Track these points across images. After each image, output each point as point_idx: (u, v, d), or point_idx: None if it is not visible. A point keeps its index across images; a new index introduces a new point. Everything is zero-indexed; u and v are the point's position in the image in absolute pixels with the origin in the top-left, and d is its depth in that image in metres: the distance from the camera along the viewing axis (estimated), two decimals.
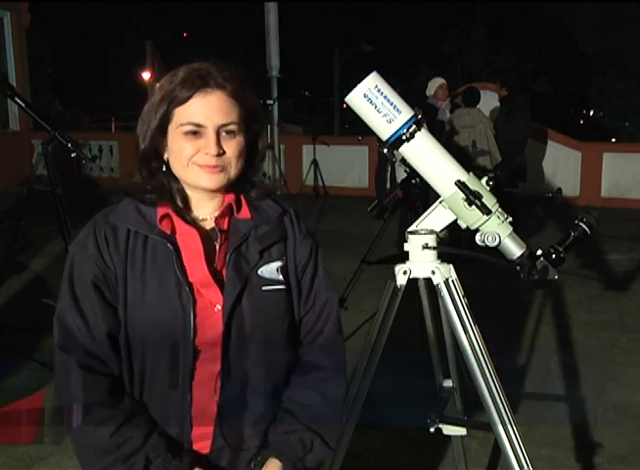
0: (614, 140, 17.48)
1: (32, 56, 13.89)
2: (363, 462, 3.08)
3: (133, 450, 1.37)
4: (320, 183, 10.64)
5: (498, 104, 8.23)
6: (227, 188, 1.48)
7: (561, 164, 10.40)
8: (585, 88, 26.10)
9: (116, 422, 1.37)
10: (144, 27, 29.83)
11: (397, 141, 2.12)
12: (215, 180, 1.43)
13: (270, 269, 1.48)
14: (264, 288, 1.47)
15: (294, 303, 1.53)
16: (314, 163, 10.63)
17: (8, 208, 7.58)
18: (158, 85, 1.47)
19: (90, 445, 1.39)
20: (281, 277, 1.49)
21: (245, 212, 1.50)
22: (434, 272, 2.22)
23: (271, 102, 9.04)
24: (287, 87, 22.15)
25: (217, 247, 1.46)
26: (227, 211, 1.49)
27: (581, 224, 2.12)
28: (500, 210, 2.15)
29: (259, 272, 1.47)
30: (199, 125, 1.40)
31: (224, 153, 1.42)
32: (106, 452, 1.38)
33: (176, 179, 1.48)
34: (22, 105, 4.66)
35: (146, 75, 18.04)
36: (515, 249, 2.14)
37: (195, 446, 1.45)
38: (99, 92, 30.87)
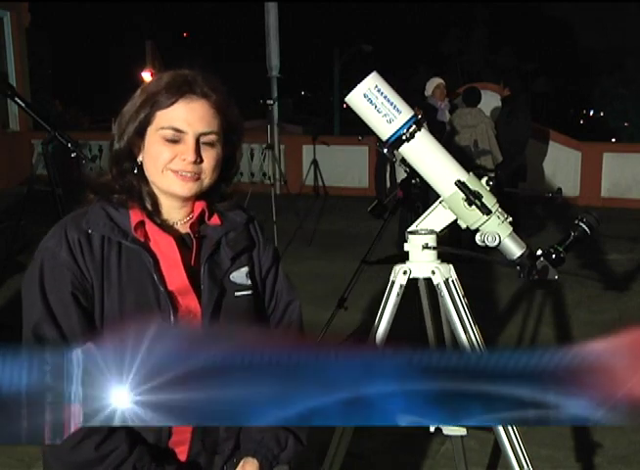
0: (614, 140, 17.48)
1: (32, 56, 13.89)
2: (363, 462, 3.09)
3: (120, 461, 1.35)
4: (320, 183, 10.64)
5: (499, 104, 8.24)
6: (198, 197, 1.48)
7: (561, 165, 10.40)
8: (585, 88, 26.10)
9: (101, 433, 1.34)
10: (144, 27, 29.84)
11: (397, 141, 2.12)
12: (189, 188, 1.42)
13: (240, 275, 1.50)
14: (237, 293, 1.49)
15: (260, 306, 1.57)
16: (314, 163, 10.63)
17: (8, 208, 7.58)
18: (141, 87, 1.45)
19: (72, 459, 1.35)
20: (249, 282, 1.51)
21: (215, 219, 1.51)
22: (433, 272, 2.22)
23: (271, 102, 9.04)
24: (287, 87, 22.17)
25: (191, 255, 1.46)
26: (200, 218, 1.50)
27: (581, 224, 2.12)
28: (500, 210, 2.15)
29: (231, 278, 1.49)
30: (179, 131, 1.39)
31: (201, 161, 1.41)
32: (90, 466, 1.35)
33: (147, 182, 1.46)
34: (22, 105, 4.66)
35: (146, 75, 18.05)
36: (515, 249, 2.14)
37: (176, 451, 1.44)
38: (99, 92, 30.87)
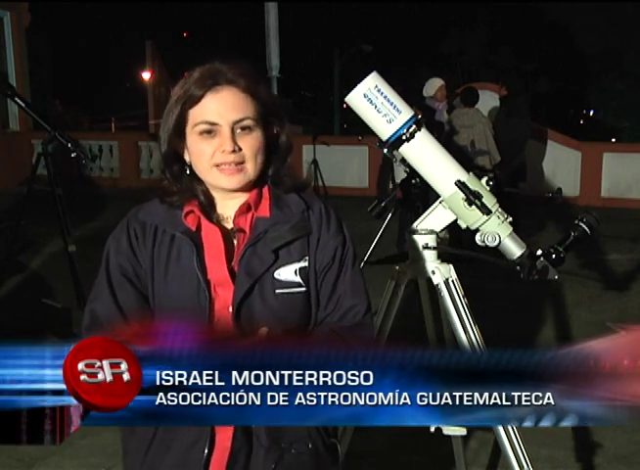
0: (614, 140, 17.49)
1: (32, 56, 13.90)
2: (363, 462, 3.08)
3: None
4: (320, 183, 10.63)
5: (497, 104, 8.23)
6: (251, 185, 1.47)
7: (561, 164, 10.40)
8: (585, 88, 26.08)
9: None
10: (144, 27, 29.82)
11: (397, 141, 2.12)
12: (236, 180, 1.43)
13: (287, 271, 1.44)
14: (277, 291, 1.43)
15: (312, 306, 1.48)
16: (314, 163, 10.62)
17: (8, 208, 7.58)
18: (174, 89, 1.48)
19: None
20: (299, 279, 1.44)
21: (264, 210, 1.47)
22: (434, 272, 2.22)
23: None
24: (287, 87, 22.15)
25: (237, 246, 1.46)
26: (246, 210, 1.47)
27: (581, 224, 2.13)
28: (500, 210, 2.15)
29: (275, 274, 1.43)
30: (213, 123, 1.40)
31: (240, 149, 1.41)
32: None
33: (200, 180, 1.49)
34: (22, 105, 4.65)
35: (146, 75, 18.06)
36: (515, 249, 2.14)
37: (218, 436, 1.43)
38: (99, 92, 30.88)
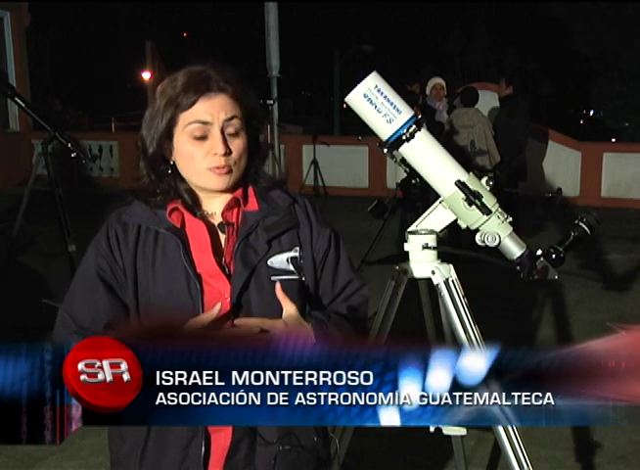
0: (614, 140, 17.48)
1: (32, 56, 13.89)
2: (363, 462, 3.09)
3: None
4: (320, 183, 10.64)
5: (497, 104, 8.24)
6: (235, 184, 1.51)
7: (561, 164, 10.40)
8: (585, 88, 26.08)
9: None
10: (144, 27, 29.79)
11: (397, 141, 2.12)
12: (224, 181, 1.47)
13: (280, 260, 1.50)
14: (273, 278, 1.48)
15: (309, 293, 1.54)
16: (314, 163, 10.64)
17: (8, 208, 7.58)
18: (159, 90, 1.50)
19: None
20: (291, 268, 1.50)
21: (252, 204, 1.52)
22: (434, 272, 2.22)
23: (271, 102, 9.04)
24: (287, 87, 22.14)
25: (226, 239, 1.50)
26: (234, 204, 1.52)
27: (581, 224, 2.13)
28: (500, 210, 2.15)
29: (269, 263, 1.49)
30: (204, 122, 1.43)
31: (230, 152, 1.45)
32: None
33: (183, 180, 1.52)
34: (22, 105, 4.66)
35: (146, 75, 18.04)
36: (515, 249, 2.14)
37: (213, 437, 1.45)
38: (99, 92, 30.86)
